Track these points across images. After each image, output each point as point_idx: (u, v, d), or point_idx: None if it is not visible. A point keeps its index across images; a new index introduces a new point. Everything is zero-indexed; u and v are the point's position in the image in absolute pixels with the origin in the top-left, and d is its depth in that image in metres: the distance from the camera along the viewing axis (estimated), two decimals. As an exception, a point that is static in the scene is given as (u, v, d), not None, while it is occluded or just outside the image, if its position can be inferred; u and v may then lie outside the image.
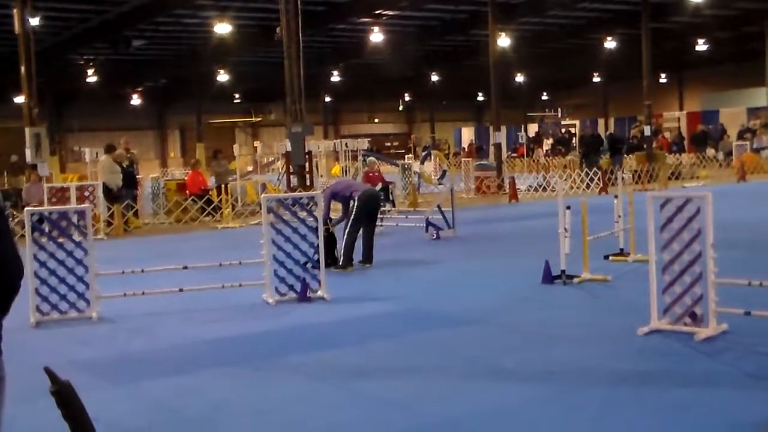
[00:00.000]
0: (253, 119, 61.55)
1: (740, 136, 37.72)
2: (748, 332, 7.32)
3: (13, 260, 2.75)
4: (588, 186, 25.80)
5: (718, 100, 48.61)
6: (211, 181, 23.45)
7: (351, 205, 12.38)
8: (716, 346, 7.06)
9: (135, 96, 50.66)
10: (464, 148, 50.26)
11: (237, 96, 56.75)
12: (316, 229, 10.05)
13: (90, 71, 38.86)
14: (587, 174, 26.54)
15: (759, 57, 36.36)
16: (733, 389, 5.97)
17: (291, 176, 21.09)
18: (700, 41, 42.73)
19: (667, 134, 43.13)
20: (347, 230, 12.26)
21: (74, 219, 9.86)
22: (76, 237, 9.64)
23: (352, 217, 12.27)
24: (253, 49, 37.63)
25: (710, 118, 42.53)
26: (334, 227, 12.60)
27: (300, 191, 18.39)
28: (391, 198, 20.99)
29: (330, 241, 12.06)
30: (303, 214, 10.40)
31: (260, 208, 10.75)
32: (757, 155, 33.62)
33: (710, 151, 36.74)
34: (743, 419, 5.34)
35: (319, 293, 9.97)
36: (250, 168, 37.48)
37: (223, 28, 29.57)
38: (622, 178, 14.53)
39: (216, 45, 33.75)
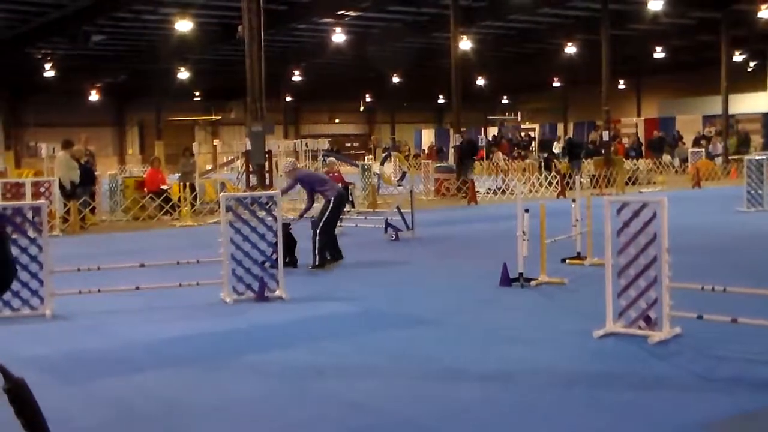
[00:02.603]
0: (213, 117, 61.10)
1: (696, 142, 38.34)
2: (701, 335, 7.44)
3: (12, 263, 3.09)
4: (547, 189, 26.02)
5: (674, 107, 49.32)
6: (173, 178, 23.23)
7: (325, 205, 12.45)
8: (669, 349, 7.17)
9: (93, 92, 49.97)
10: (424, 150, 50.39)
11: (197, 94, 56.29)
12: (275, 228, 10.02)
13: (48, 66, 38.29)
14: (546, 177, 26.78)
15: (715, 65, 36.94)
16: (684, 391, 6.08)
17: (250, 175, 20.98)
18: (658, 49, 43.33)
19: (625, 140, 43.63)
20: (321, 229, 12.27)
21: (29, 215, 9.71)
22: (31, 233, 9.50)
23: (327, 217, 12.33)
24: (214, 47, 37.36)
25: (667, 125, 43.14)
26: (297, 220, 12.75)
27: (259, 190, 18.30)
28: (350, 199, 20.98)
29: (290, 240, 12.05)
30: (262, 213, 10.36)
31: (219, 207, 10.69)
32: (711, 162, 34.17)
33: (666, 157, 37.26)
34: (693, 420, 5.44)
35: (277, 293, 9.94)
36: (209, 166, 37.24)
37: (183, 25, 29.30)
38: (580, 183, 14.68)
39: (176, 42, 33.44)
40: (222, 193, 15.09)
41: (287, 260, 11.38)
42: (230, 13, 28.98)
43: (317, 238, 12.23)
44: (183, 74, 43.56)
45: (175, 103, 53.67)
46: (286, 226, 12.12)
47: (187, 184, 21.41)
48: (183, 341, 8.05)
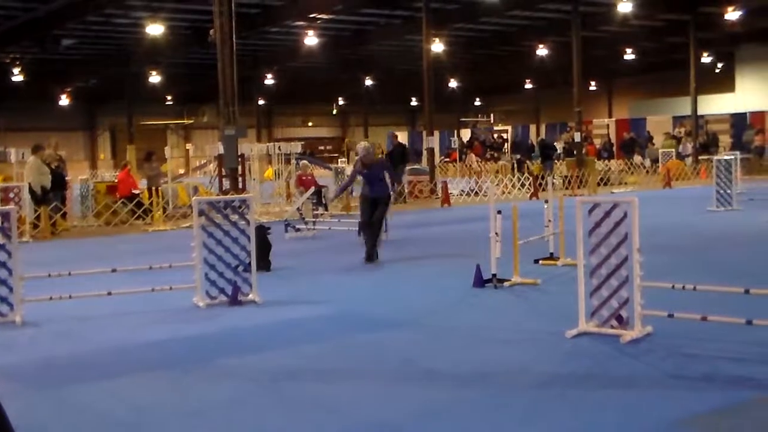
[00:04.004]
0: (186, 121, 60.86)
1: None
2: (671, 334, 7.51)
3: None
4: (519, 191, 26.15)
5: (645, 108, 49.75)
6: (141, 184, 23.09)
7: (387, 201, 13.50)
8: (641, 347, 7.22)
9: (64, 96, 49.61)
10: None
11: (169, 98, 56.05)
12: (248, 232, 9.98)
13: (17, 70, 37.96)
14: (519, 179, 26.91)
15: (684, 67, 37.34)
16: (655, 389, 6.13)
17: (223, 179, 20.90)
18: (629, 50, 43.76)
19: (597, 141, 43.94)
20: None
21: (-2, 221, 9.59)
22: (0, 239, 9.40)
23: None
24: (185, 51, 37.24)
25: (638, 126, 43.49)
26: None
27: (232, 194, 18.24)
28: (324, 202, 20.96)
29: (264, 244, 12.04)
30: (235, 217, 10.32)
31: (192, 211, 10.63)
32: (682, 162, 34.49)
33: (637, 158, 37.56)
34: (665, 417, 5.49)
35: (251, 297, 9.90)
36: (182, 170, 37.04)
37: (155, 29, 29.18)
38: (553, 184, 14.77)
39: (148, 46, 33.30)
40: (195, 197, 15.02)
41: (261, 264, 11.39)
42: (202, 17, 28.90)
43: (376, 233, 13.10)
44: (155, 78, 43.37)
45: (147, 107, 53.34)
46: (263, 230, 12.12)
47: (154, 188, 21.28)
48: (156, 346, 8.00)
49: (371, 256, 12.97)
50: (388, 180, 13.55)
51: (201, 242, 9.68)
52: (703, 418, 5.50)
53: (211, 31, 20.91)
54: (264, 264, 11.90)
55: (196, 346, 7.96)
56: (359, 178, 13.60)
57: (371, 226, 13.15)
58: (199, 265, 9.68)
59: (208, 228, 9.90)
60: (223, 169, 20.87)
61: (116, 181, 22.84)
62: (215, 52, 20.40)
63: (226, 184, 20.73)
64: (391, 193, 13.92)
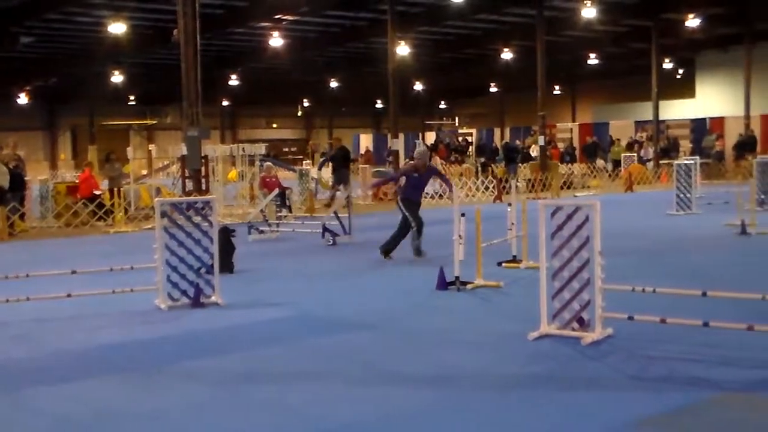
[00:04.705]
0: (149, 122, 60.33)
1: (628, 147, 39.09)
2: (631, 336, 7.59)
3: None
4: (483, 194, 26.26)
5: (608, 113, 50.22)
6: (103, 185, 22.85)
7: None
8: (601, 349, 7.29)
9: (23, 95, 48.86)
10: (362, 155, 50.42)
11: (132, 98, 55.52)
12: (211, 233, 9.92)
13: (-27, 68, 37.38)
14: (483, 182, 27.03)
15: (646, 72, 37.75)
16: (616, 390, 6.19)
17: (186, 180, 20.74)
18: (592, 55, 44.15)
19: (560, 145, 44.24)
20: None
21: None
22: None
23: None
24: (148, 51, 36.91)
25: (601, 130, 43.88)
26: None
27: (195, 196, 18.11)
28: (287, 203, 20.90)
29: (228, 246, 11.98)
30: (197, 219, 10.25)
31: (154, 213, 10.54)
32: (643, 166, 34.87)
33: (600, 162, 37.91)
34: (624, 418, 5.55)
35: (213, 299, 9.84)
36: (144, 171, 36.69)
37: (117, 28, 28.89)
38: (516, 187, 14.85)
39: (110, 45, 32.93)
40: (157, 199, 14.89)
41: (224, 266, 11.38)
42: (165, 17, 28.64)
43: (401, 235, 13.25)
44: (117, 78, 42.92)
45: (109, 107, 52.87)
46: (227, 232, 12.05)
47: (116, 189, 21.08)
48: (116, 349, 7.92)
49: (419, 251, 13.22)
50: (438, 183, 13.75)
51: (163, 244, 9.61)
52: (663, 418, 5.57)
53: (175, 31, 20.72)
54: (227, 266, 11.83)
55: (157, 349, 7.89)
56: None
57: (421, 226, 13.25)
58: (161, 266, 9.60)
59: (171, 229, 9.82)
60: (186, 171, 20.69)
61: (77, 181, 22.57)
62: (179, 52, 20.23)
63: (189, 185, 20.56)
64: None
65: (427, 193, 26.56)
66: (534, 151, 39.29)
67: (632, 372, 6.63)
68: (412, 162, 13.62)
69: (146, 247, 10.78)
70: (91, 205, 20.48)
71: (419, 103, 57.83)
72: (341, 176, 24.90)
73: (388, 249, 13.34)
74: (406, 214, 13.16)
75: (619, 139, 40.00)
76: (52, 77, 46.75)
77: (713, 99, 45.00)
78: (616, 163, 36.54)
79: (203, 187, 20.38)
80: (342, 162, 25.31)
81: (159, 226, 9.68)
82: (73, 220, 20.08)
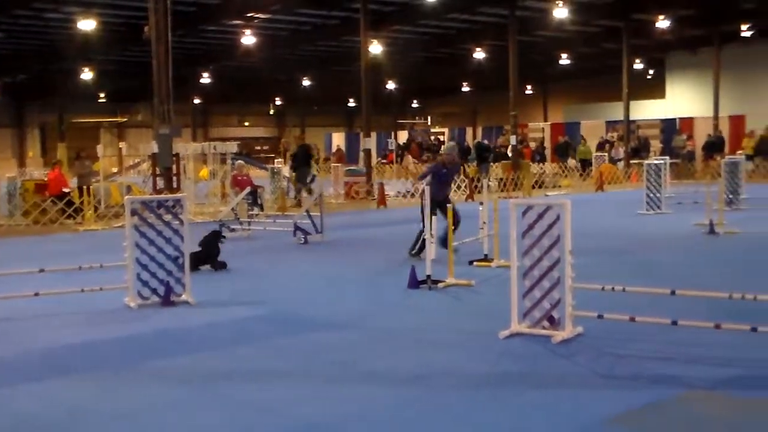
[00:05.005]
0: (119, 119, 59.88)
1: (599, 147, 39.37)
2: (601, 334, 7.65)
3: None
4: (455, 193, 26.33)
5: (579, 113, 50.54)
6: (72, 182, 22.65)
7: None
8: (571, 348, 7.34)
9: (-10, 92, 48.31)
10: (334, 153, 50.39)
11: (102, 95, 55.07)
12: (182, 232, 9.86)
13: (-61, 64, 36.87)
14: (455, 181, 27.10)
15: (617, 73, 38.02)
16: (585, 388, 6.24)
17: (157, 178, 20.61)
18: (564, 55, 44.40)
19: (532, 144, 44.44)
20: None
21: None
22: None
23: None
24: (119, 48, 36.60)
25: (572, 130, 44.15)
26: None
27: (166, 194, 18.00)
28: (259, 202, 20.84)
29: (212, 249, 12.11)
30: (168, 217, 10.19)
31: (124, 211, 10.46)
32: (614, 166, 35.13)
33: (571, 161, 38.15)
34: (593, 416, 5.60)
35: (184, 297, 9.79)
36: (114, 169, 36.41)
37: (87, 25, 28.62)
38: (488, 186, 14.90)
39: (80, 42, 32.60)
40: (127, 196, 14.79)
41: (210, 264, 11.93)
42: (136, 13, 28.43)
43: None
44: (87, 75, 42.53)
45: (79, 104, 52.34)
46: (218, 236, 12.13)
47: (85, 187, 20.90)
48: (85, 348, 7.86)
49: (414, 252, 12.90)
50: (410, 181, 13.32)
51: (133, 242, 9.55)
52: (631, 415, 5.62)
53: (146, 28, 20.60)
54: (214, 264, 12.13)
55: (126, 348, 7.84)
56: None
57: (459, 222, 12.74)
58: (130, 265, 9.53)
59: (141, 228, 9.76)
60: (157, 169, 20.56)
61: (46, 179, 22.35)
62: (150, 49, 20.10)
63: (161, 183, 20.44)
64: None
65: (399, 192, 26.67)
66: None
67: (601, 370, 6.69)
68: (440, 158, 13.33)
69: (116, 246, 10.70)
70: (60, 203, 20.29)
71: (392, 102, 57.89)
72: (302, 175, 24.67)
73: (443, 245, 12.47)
74: (422, 215, 12.15)
75: (585, 139, 40.25)
76: (21, 74, 46.23)
77: (683, 99, 45.46)
78: (584, 163, 36.81)
79: (174, 185, 20.27)
80: (303, 160, 25.11)
81: (129, 224, 9.61)
82: (42, 218, 19.88)
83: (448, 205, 11.94)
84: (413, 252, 12.94)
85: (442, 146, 22.20)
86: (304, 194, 23.19)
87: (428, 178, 12.95)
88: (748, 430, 5.36)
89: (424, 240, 12.22)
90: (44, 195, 20.89)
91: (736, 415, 5.67)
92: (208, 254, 12.20)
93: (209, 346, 7.83)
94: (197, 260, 11.67)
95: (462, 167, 34.26)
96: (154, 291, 9.69)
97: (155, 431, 5.57)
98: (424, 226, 12.28)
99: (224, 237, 12.60)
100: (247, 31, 33.42)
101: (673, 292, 7.73)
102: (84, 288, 9.82)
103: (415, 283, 10.43)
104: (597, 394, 6.09)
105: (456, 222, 12.49)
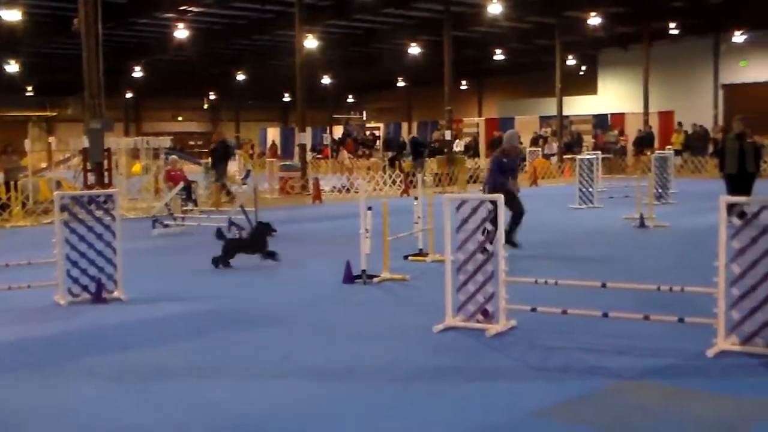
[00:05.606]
0: (49, 113, 58.59)
1: (533, 142, 39.87)
2: (534, 327, 7.75)
3: None
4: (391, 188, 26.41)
5: (513, 108, 51.10)
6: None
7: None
8: (505, 341, 7.43)
9: None
10: (269, 148, 50.13)
11: (30, 89, 53.81)
12: (113, 228, 9.70)
13: None
14: (390, 176, 27.19)
15: (550, 69, 38.57)
16: (518, 381, 6.32)
17: (88, 174, 20.23)
18: (498, 51, 44.81)
19: (466, 139, 44.80)
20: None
21: None
22: None
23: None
24: (47, 40, 35.80)
25: (506, 125, 44.55)
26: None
27: (97, 189, 17.68)
28: (193, 197, 20.62)
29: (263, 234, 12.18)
30: (99, 213, 10.01)
31: (54, 206, 10.24)
32: (547, 161, 35.61)
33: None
34: (525, 407, 5.68)
35: (116, 294, 9.64)
36: (44, 164, 35.61)
37: (11, 15, 27.90)
38: (423, 181, 14.98)
39: (4, 33, 31.77)
40: (57, 192, 14.49)
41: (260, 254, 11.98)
42: (65, 5, 27.84)
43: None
44: (12, 67, 41.51)
45: (5, 98, 51.09)
46: (268, 228, 12.24)
47: (12, 182, 20.40)
48: (13, 346, 7.68)
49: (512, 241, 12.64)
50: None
51: (63, 238, 9.36)
52: (563, 406, 5.71)
53: (76, 20, 20.20)
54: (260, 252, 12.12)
55: (57, 346, 7.69)
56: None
57: (521, 215, 12.82)
58: (60, 261, 9.35)
59: (71, 224, 9.57)
60: (88, 164, 20.18)
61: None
62: (80, 42, 19.71)
63: (92, 179, 20.07)
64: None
65: (335, 187, 26.64)
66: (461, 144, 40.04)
67: (534, 362, 6.78)
68: (501, 147, 13.10)
69: (45, 242, 10.47)
70: (-14, 199, 19.78)
71: (327, 96, 57.75)
72: (220, 171, 24.13)
73: (508, 240, 12.59)
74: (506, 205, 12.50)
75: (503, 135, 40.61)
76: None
77: (614, 95, 46.30)
78: None
79: (106, 180, 19.94)
80: (222, 157, 24.64)
81: (58, 220, 9.43)
82: (-33, 215, 19.36)
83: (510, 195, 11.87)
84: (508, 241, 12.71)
85: (434, 138, 21.98)
86: (245, 188, 22.85)
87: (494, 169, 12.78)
88: (677, 418, 5.49)
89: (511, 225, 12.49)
90: (-32, 191, 20.33)
91: (665, 404, 5.80)
92: (257, 245, 12.14)
93: (142, 342, 7.72)
94: (238, 248, 12.00)
95: (397, 161, 34.46)
96: (85, 288, 9.52)
97: (87, 431, 5.47)
98: (512, 215, 12.55)
99: (275, 231, 12.51)
100: (181, 25, 33.02)
101: (603, 285, 7.87)
102: (11, 285, 9.60)
103: (350, 277, 10.44)
104: (530, 386, 6.18)
105: (519, 214, 12.68)
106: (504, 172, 12.73)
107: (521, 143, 40.01)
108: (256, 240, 12.27)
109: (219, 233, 12.15)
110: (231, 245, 12.09)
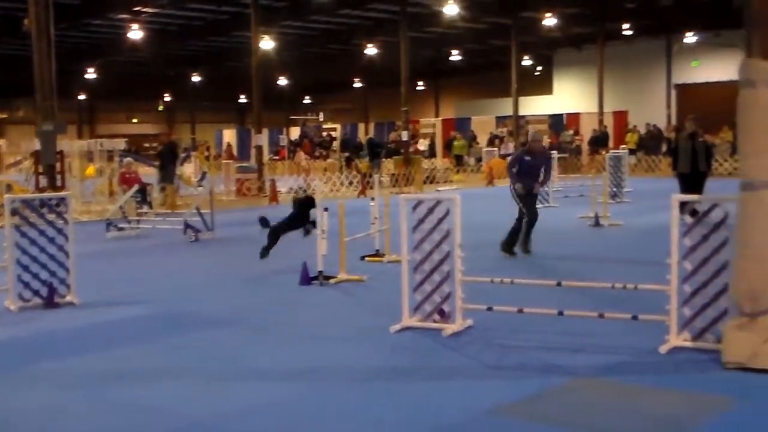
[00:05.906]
0: (-2, 116, 57.64)
1: (490, 142, 40.10)
2: (490, 326, 7.79)
3: None
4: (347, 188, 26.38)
5: (470, 108, 51.33)
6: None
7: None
8: (462, 340, 7.45)
9: None
10: (225, 150, 49.77)
11: (-22, 91, 52.87)
12: (66, 231, 9.56)
13: None
14: (347, 177, 27.16)
15: (506, 69, 38.83)
16: (474, 379, 6.35)
17: (40, 176, 19.92)
18: (455, 51, 45.01)
19: (426, 140, 44.86)
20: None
21: None
22: None
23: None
24: (-5, 41, 35.22)
25: (463, 125, 44.80)
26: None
27: (50, 192, 17.41)
28: (148, 200, 20.40)
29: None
30: (52, 216, 9.85)
31: (3, 210, 10.07)
32: (503, 161, 35.80)
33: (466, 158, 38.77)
34: (481, 405, 5.71)
35: (68, 298, 9.50)
36: (-6, 167, 34.99)
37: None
38: (380, 182, 14.98)
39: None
40: (7, 195, 14.25)
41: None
42: (14, 5, 27.37)
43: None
44: (-39, 69, 40.77)
45: (-46, 100, 50.14)
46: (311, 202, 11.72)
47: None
48: (-37, 353, 7.53)
49: (527, 248, 12.58)
50: (542, 172, 12.39)
51: (13, 242, 9.20)
52: (519, 404, 5.75)
53: (26, 21, 19.89)
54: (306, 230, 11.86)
55: (7, 352, 7.55)
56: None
57: (534, 219, 12.57)
58: (10, 266, 9.19)
59: (22, 227, 9.42)
60: (40, 167, 19.87)
61: None
62: (31, 43, 19.40)
63: (44, 181, 19.76)
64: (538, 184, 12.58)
65: (292, 188, 26.52)
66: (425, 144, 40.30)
67: (490, 361, 6.81)
68: (523, 146, 12.98)
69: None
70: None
71: (283, 97, 57.53)
72: (167, 174, 23.67)
73: (509, 245, 12.48)
74: (520, 205, 12.37)
75: (456, 135, 40.84)
76: None
77: (569, 95, 46.71)
78: (458, 159, 37.54)
79: (59, 183, 19.66)
80: (169, 158, 24.20)
81: (8, 224, 9.27)
82: None
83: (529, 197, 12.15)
84: (525, 249, 12.54)
85: (364, 142, 21.81)
86: (201, 190, 22.56)
87: (515, 168, 12.53)
88: (631, 415, 5.55)
89: (522, 229, 12.43)
90: None
91: (619, 400, 5.86)
92: (301, 220, 11.85)
93: (95, 347, 7.61)
94: (287, 228, 11.90)
95: (354, 162, 34.44)
96: (37, 293, 9.37)
97: (37, 437, 5.39)
98: (523, 215, 12.43)
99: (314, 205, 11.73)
100: (135, 26, 32.65)
101: (559, 284, 7.94)
102: (-40, 291, 9.42)
103: (306, 279, 10.41)
104: (486, 385, 6.21)
105: (533, 220, 12.50)
106: (525, 173, 12.39)
107: (477, 143, 40.60)
108: (299, 215, 11.95)
109: (263, 221, 11.96)
110: (280, 229, 11.87)
